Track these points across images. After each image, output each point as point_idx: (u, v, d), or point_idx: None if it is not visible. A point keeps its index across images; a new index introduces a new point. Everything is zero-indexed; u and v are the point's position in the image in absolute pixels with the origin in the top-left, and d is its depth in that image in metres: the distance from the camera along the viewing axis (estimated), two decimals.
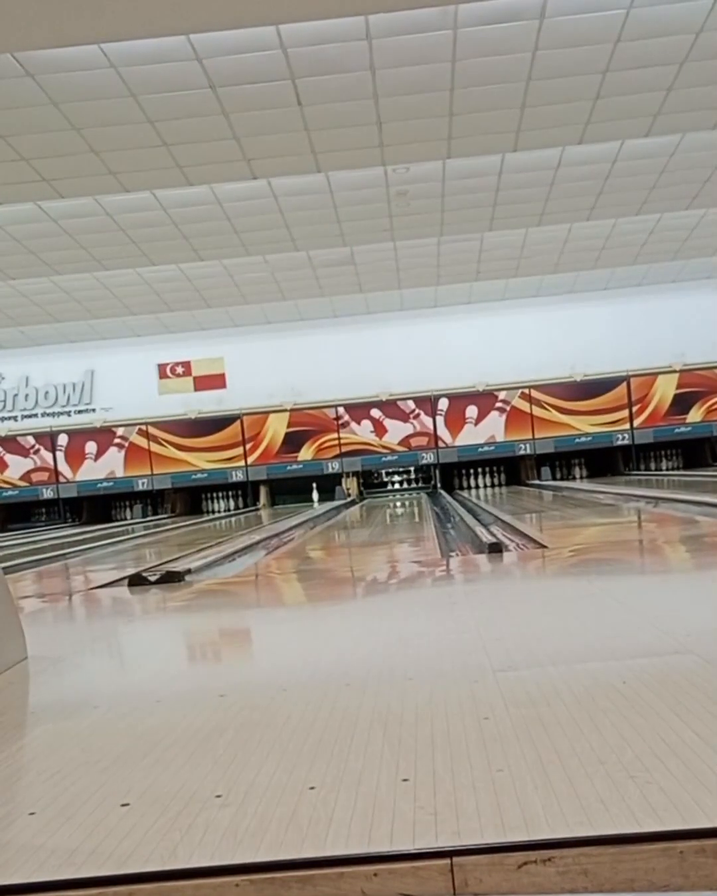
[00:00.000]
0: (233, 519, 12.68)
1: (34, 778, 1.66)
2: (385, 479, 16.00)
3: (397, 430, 15.24)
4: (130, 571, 5.37)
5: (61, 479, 15.51)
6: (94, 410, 15.54)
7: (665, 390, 15.03)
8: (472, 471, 15.58)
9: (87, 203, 9.26)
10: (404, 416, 15.23)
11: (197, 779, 1.55)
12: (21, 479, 15.62)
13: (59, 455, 15.53)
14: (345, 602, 3.80)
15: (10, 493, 15.65)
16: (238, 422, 15.05)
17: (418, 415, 15.22)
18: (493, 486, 15.49)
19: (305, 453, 15.23)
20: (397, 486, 15.97)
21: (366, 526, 9.43)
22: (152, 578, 4.64)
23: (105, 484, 15.43)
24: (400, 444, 15.25)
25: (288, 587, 4.50)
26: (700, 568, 4.11)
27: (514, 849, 1.16)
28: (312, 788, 1.43)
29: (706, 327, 14.81)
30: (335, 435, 15.23)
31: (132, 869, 1.20)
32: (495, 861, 1.15)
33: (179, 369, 15.15)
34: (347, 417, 15.24)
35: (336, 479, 15.27)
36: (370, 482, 15.86)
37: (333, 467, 15.24)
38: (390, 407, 15.20)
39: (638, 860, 1.13)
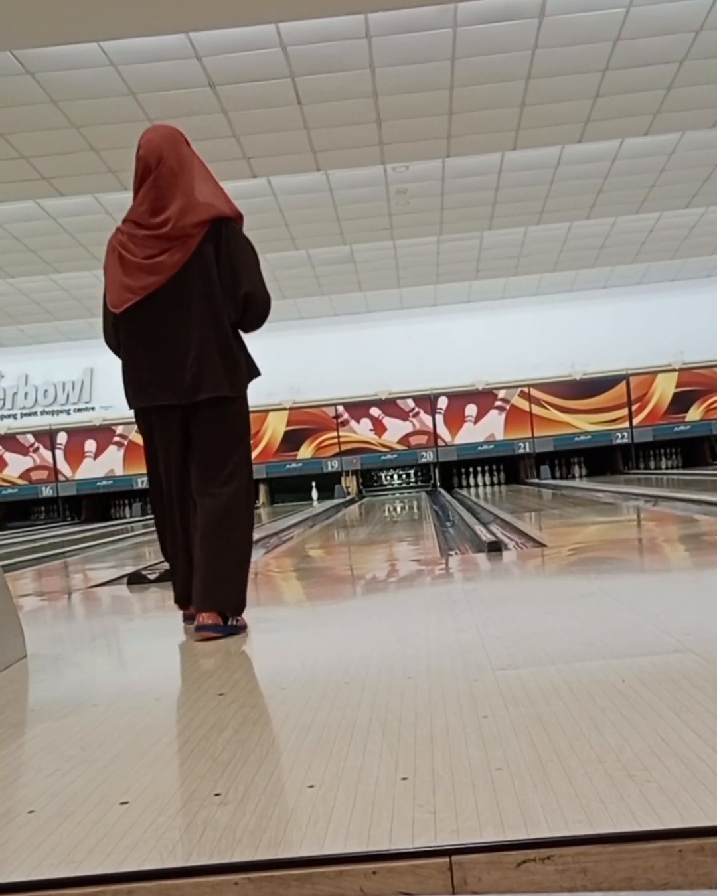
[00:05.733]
0: None
1: (33, 776, 1.66)
2: (384, 478, 16.00)
3: (396, 429, 15.24)
4: (130, 570, 5.37)
5: (60, 478, 15.52)
6: (93, 409, 15.54)
7: (665, 389, 15.03)
8: (471, 469, 15.58)
9: (86, 201, 9.26)
10: (403, 415, 15.23)
11: (196, 777, 1.55)
12: (20, 477, 15.63)
13: (59, 453, 15.54)
14: (344, 600, 3.80)
15: (9, 491, 15.66)
16: None
17: (418, 413, 15.21)
18: (492, 484, 15.49)
19: (305, 452, 15.23)
20: (396, 484, 15.96)
21: (365, 524, 9.43)
22: (152, 577, 4.64)
23: (104, 482, 15.43)
24: (399, 442, 15.25)
25: (287, 585, 4.50)
26: (700, 566, 4.11)
27: (513, 847, 1.16)
28: (311, 787, 1.43)
29: (706, 326, 14.80)
30: (334, 433, 15.23)
31: (131, 867, 1.20)
32: (493, 859, 1.15)
33: None
34: (346, 416, 15.24)
35: (335, 477, 15.27)
36: (370, 481, 15.86)
37: (333, 466, 15.24)
38: (390, 405, 15.20)
39: (637, 859, 1.13)
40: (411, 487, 15.75)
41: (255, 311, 2.96)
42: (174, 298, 2.89)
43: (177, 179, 2.91)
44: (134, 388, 2.98)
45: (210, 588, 2.86)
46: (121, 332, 2.98)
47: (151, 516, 3.23)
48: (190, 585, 2.93)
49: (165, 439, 2.95)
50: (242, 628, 2.91)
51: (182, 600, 3.04)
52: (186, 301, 2.89)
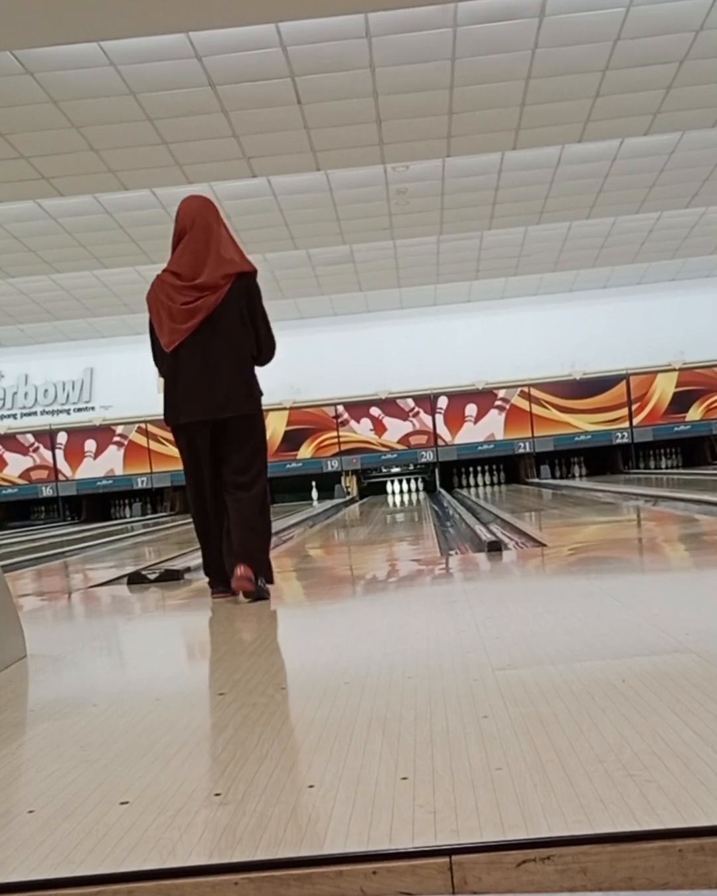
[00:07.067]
0: None
1: (33, 776, 1.66)
2: (384, 478, 15.99)
3: (396, 429, 15.23)
4: (130, 570, 5.38)
5: (60, 477, 15.51)
6: (93, 408, 15.54)
7: (665, 389, 15.03)
8: (471, 469, 15.57)
9: (86, 201, 9.26)
10: (403, 415, 15.23)
11: (196, 777, 1.55)
12: (20, 477, 15.62)
13: (59, 453, 15.53)
14: (344, 600, 3.80)
15: (9, 491, 15.65)
16: None
17: (418, 413, 15.21)
18: (492, 484, 15.49)
19: (305, 451, 15.23)
20: (396, 484, 15.96)
21: (365, 524, 9.43)
22: (152, 577, 4.64)
23: (104, 482, 15.42)
24: (399, 442, 15.24)
25: (287, 585, 4.50)
26: (700, 567, 4.11)
27: (513, 847, 1.16)
28: (311, 787, 1.43)
29: (706, 325, 14.80)
30: (334, 433, 15.22)
31: (131, 867, 1.20)
32: (493, 859, 1.15)
33: None
34: (346, 416, 15.23)
35: (335, 477, 15.26)
36: (370, 480, 15.85)
37: (333, 465, 15.23)
38: (390, 405, 15.20)
39: (637, 858, 1.13)
40: (411, 487, 15.74)
41: (269, 350, 3.82)
42: (208, 337, 3.67)
43: (208, 241, 3.72)
44: (174, 408, 3.72)
45: (244, 556, 3.63)
46: (166, 362, 3.74)
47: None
48: (218, 560, 3.77)
49: (203, 449, 3.70)
50: (267, 594, 3.63)
51: (208, 570, 3.86)
52: (217, 339, 3.67)
